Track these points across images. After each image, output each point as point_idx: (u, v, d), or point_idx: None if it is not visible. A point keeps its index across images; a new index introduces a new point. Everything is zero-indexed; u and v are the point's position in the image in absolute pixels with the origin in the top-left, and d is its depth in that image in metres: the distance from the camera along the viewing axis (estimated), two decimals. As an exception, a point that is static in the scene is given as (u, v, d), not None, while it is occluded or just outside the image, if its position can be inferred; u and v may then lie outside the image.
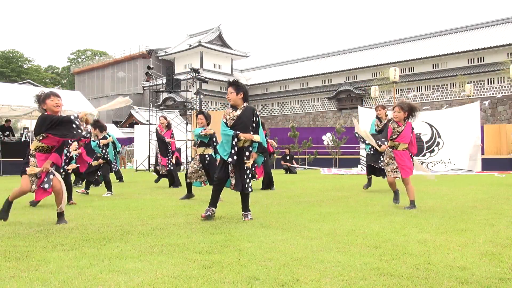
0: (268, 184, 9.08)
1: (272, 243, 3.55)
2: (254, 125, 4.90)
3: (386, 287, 2.41)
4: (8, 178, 13.95)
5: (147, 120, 24.41)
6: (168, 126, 9.76)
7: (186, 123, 24.41)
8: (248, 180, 4.82)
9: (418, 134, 16.53)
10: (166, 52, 56.94)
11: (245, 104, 4.94)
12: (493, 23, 42.57)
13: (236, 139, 4.74)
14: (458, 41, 42.37)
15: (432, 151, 16.66)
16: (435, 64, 42.74)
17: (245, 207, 4.92)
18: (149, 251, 3.28)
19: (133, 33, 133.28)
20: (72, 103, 19.85)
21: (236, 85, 4.94)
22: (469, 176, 14.13)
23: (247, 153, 4.83)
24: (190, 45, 54.20)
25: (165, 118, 9.90)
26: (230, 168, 4.86)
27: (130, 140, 23.40)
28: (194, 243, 3.56)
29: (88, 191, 7.82)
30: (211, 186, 6.67)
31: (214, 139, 7.03)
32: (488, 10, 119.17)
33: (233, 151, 4.70)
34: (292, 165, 18.22)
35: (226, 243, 3.53)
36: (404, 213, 5.30)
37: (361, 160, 17.84)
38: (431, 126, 16.79)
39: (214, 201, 4.89)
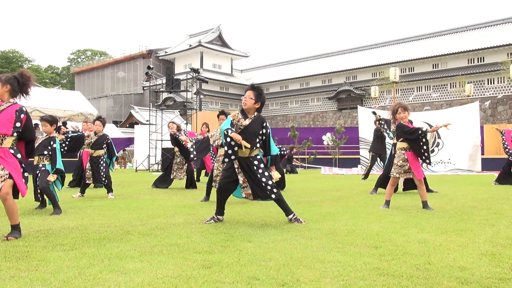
0: (280, 183, 9.07)
1: (272, 243, 3.55)
2: (263, 137, 4.60)
3: (386, 287, 2.41)
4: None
5: (147, 120, 24.41)
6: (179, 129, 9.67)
7: (186, 123, 24.42)
8: (269, 187, 4.48)
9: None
10: (166, 52, 56.98)
11: (255, 113, 4.64)
12: (493, 23, 42.58)
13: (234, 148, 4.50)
14: (458, 41, 42.38)
15: (432, 151, 16.66)
16: (435, 64, 42.75)
17: (285, 210, 4.59)
18: (149, 251, 3.27)
19: (133, 33, 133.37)
20: (72, 103, 19.90)
21: (258, 92, 4.60)
22: (469, 176, 14.14)
23: (255, 162, 4.52)
24: (190, 45, 54.24)
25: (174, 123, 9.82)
26: (240, 178, 4.58)
27: (130, 140, 23.38)
28: (194, 243, 3.56)
29: (83, 194, 7.77)
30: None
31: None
32: (488, 10, 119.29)
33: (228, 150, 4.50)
34: (295, 163, 18.27)
35: (226, 243, 3.53)
36: (404, 213, 5.30)
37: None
38: (430, 126, 16.78)
39: (220, 209, 4.66)
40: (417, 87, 43.20)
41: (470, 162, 16.21)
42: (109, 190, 7.59)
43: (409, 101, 41.52)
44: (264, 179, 4.50)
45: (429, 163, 5.74)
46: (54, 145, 5.63)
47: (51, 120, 5.73)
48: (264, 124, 4.62)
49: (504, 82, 37.87)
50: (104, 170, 7.60)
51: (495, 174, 14.23)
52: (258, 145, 4.61)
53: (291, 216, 4.58)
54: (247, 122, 4.57)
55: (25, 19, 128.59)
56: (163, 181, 9.66)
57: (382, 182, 7.83)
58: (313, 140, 23.21)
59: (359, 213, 5.35)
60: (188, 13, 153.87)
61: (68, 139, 7.29)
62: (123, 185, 10.42)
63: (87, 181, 7.69)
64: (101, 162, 7.62)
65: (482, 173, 15.64)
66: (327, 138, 23.98)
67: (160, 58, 56.82)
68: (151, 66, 21.48)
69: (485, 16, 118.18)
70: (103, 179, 7.57)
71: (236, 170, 4.61)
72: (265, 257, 3.07)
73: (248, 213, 5.39)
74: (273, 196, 4.50)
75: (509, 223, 4.51)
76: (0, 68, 61.25)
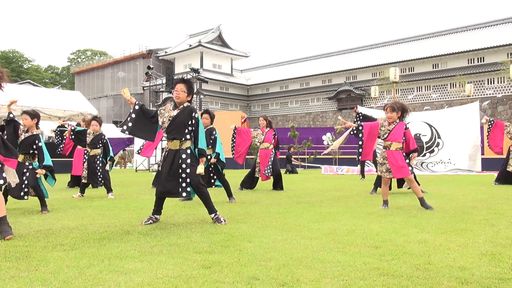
0: (277, 183, 9.00)
1: (272, 243, 3.55)
2: (191, 128, 4.52)
3: (386, 287, 2.41)
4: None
5: (147, 120, 24.37)
6: None
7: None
8: (184, 184, 4.45)
9: (417, 135, 16.55)
10: (166, 52, 56.94)
11: (185, 104, 4.59)
12: (493, 23, 42.58)
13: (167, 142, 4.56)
14: (458, 41, 42.38)
15: (432, 151, 16.66)
16: (435, 64, 42.75)
17: (209, 208, 4.59)
18: (149, 251, 3.27)
19: (133, 33, 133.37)
20: (72, 103, 19.90)
21: (189, 85, 4.59)
22: (469, 176, 14.14)
23: (183, 156, 4.46)
24: (190, 45, 54.20)
25: None
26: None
27: (130, 140, 23.36)
28: (194, 243, 3.56)
29: (83, 194, 7.76)
30: (211, 188, 6.64)
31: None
32: (488, 10, 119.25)
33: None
34: (295, 163, 18.24)
35: (226, 243, 3.53)
36: (404, 213, 5.30)
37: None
38: (430, 126, 16.78)
39: (158, 209, 4.61)
40: (417, 87, 43.20)
41: (470, 162, 16.19)
42: (109, 190, 7.59)
43: (409, 101, 41.52)
44: (183, 175, 4.45)
45: (357, 161, 6.19)
46: (40, 144, 5.52)
47: (32, 113, 5.59)
48: (193, 115, 4.51)
49: (504, 82, 37.87)
50: (100, 170, 7.62)
51: (495, 174, 14.26)
52: (188, 136, 4.54)
53: (212, 215, 4.58)
54: (175, 112, 4.52)
55: (25, 19, 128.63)
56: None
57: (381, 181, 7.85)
58: (313, 140, 23.20)
59: (359, 213, 5.34)
60: (188, 13, 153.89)
61: (74, 132, 8.28)
62: (123, 185, 10.42)
63: (83, 181, 7.70)
64: (97, 162, 7.64)
65: (482, 173, 15.63)
66: (327, 138, 23.98)
67: (160, 58, 56.79)
68: (151, 66, 21.50)
69: (485, 16, 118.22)
70: (100, 179, 7.57)
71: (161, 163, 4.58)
72: (265, 257, 3.07)
73: (248, 213, 5.39)
74: (183, 194, 4.46)
75: (509, 223, 4.51)
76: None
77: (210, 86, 50.33)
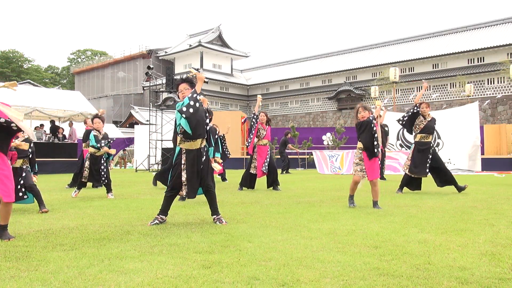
0: (273, 179, 8.96)
1: (272, 243, 3.55)
2: (206, 126, 4.60)
3: (386, 287, 2.41)
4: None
5: (147, 120, 24.41)
6: None
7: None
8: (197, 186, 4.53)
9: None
10: (166, 52, 56.95)
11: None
12: (493, 23, 42.58)
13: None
14: (458, 41, 42.38)
15: (432, 151, 16.64)
16: (435, 64, 42.75)
17: (213, 209, 4.63)
18: (149, 251, 3.28)
19: (133, 33, 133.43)
20: (72, 103, 19.89)
21: (190, 82, 4.60)
22: (469, 176, 14.13)
23: (203, 154, 4.54)
24: (190, 45, 54.21)
25: None
26: (183, 175, 4.49)
27: (130, 140, 23.38)
28: (194, 243, 3.56)
29: (79, 191, 7.69)
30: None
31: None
32: (488, 10, 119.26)
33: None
34: (291, 150, 17.97)
35: (226, 243, 3.53)
36: (404, 213, 5.30)
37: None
38: (431, 126, 16.75)
39: (165, 209, 4.59)
40: (417, 87, 43.18)
41: (470, 162, 16.19)
42: (109, 190, 7.58)
43: (409, 101, 41.52)
44: (202, 177, 4.54)
45: (375, 155, 5.85)
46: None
47: None
48: (207, 114, 4.65)
49: (504, 82, 37.87)
50: (104, 170, 7.62)
51: (495, 174, 14.25)
52: (206, 134, 4.60)
53: (214, 216, 4.61)
54: None
55: (25, 19, 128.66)
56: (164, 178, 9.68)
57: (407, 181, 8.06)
58: (313, 140, 23.20)
59: (359, 213, 5.35)
60: (188, 13, 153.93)
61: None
62: (123, 185, 10.42)
63: (83, 180, 7.65)
64: (102, 162, 7.64)
65: (482, 173, 15.64)
66: (327, 138, 23.98)
67: (160, 58, 56.80)
68: (151, 66, 21.46)
69: (485, 16, 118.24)
70: (104, 178, 7.57)
71: (182, 166, 4.53)
72: (265, 257, 3.07)
73: (248, 213, 5.39)
74: (191, 196, 4.55)
75: (509, 223, 4.51)
76: (0, 68, 61.24)
77: (210, 86, 50.36)
